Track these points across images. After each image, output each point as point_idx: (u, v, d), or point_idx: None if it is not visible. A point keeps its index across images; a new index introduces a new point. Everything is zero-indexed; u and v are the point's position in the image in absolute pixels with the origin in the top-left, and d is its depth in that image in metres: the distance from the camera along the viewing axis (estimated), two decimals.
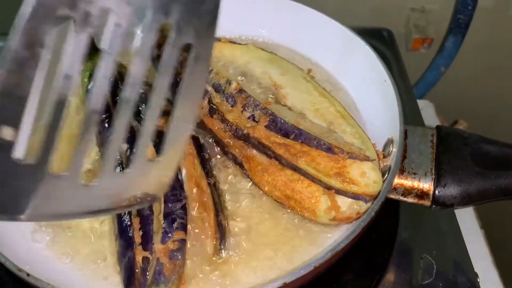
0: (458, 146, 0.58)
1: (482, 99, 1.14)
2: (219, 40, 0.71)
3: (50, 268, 0.52)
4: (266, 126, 0.59)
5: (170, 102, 0.44)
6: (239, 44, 0.72)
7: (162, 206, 0.53)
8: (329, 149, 0.56)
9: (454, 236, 0.65)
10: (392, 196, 0.58)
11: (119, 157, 0.55)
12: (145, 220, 0.53)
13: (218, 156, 0.63)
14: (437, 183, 0.56)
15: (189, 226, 0.52)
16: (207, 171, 0.58)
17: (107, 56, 0.37)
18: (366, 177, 0.54)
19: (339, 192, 0.55)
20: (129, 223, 0.53)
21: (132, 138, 0.51)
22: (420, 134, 0.61)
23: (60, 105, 0.36)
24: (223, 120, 0.61)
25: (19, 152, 0.36)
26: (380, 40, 0.94)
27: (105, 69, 0.38)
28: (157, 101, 0.42)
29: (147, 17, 0.38)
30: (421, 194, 0.57)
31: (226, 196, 0.59)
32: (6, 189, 0.37)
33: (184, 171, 0.56)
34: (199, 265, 0.52)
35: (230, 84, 0.62)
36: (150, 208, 0.53)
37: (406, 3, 1.08)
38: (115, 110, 0.41)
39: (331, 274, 0.53)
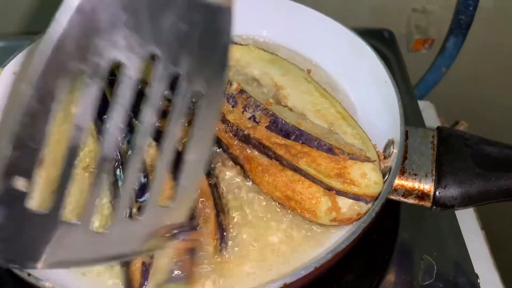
0: (459, 147, 0.58)
1: (483, 100, 1.14)
2: None
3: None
4: (267, 127, 0.59)
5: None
6: (240, 44, 0.72)
7: None
8: (330, 150, 0.56)
9: (455, 237, 0.65)
10: (392, 197, 0.58)
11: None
12: None
13: (219, 157, 0.62)
14: (438, 184, 0.56)
15: None
16: (208, 172, 0.58)
17: (118, 107, 0.38)
18: (367, 178, 0.54)
19: (340, 193, 0.55)
20: None
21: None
22: (421, 135, 0.61)
23: (71, 155, 0.37)
24: (224, 120, 0.61)
25: (32, 201, 0.37)
26: (381, 40, 0.94)
27: (117, 119, 0.39)
28: (169, 149, 0.43)
29: (157, 68, 0.39)
30: (422, 195, 0.57)
31: (227, 197, 0.59)
32: (21, 238, 0.38)
33: None
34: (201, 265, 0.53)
35: (231, 84, 0.62)
36: None
37: (407, 4, 1.08)
38: (127, 158, 0.42)
39: (331, 275, 0.53)
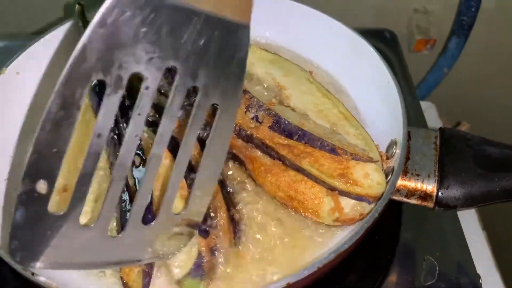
0: (461, 148, 0.58)
1: (485, 101, 1.14)
2: None
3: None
4: (270, 127, 0.59)
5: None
6: None
7: None
8: (333, 150, 0.56)
9: (457, 238, 0.65)
10: (395, 197, 0.58)
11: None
12: None
13: None
14: (440, 184, 0.56)
15: None
16: None
17: (137, 117, 0.40)
18: (370, 179, 0.54)
19: (343, 193, 0.55)
20: None
21: None
22: (423, 136, 0.61)
23: (92, 162, 0.39)
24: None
25: (52, 204, 0.38)
26: (382, 41, 0.94)
27: (135, 129, 0.40)
28: (184, 158, 0.45)
29: (175, 81, 0.41)
30: (424, 196, 0.57)
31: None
32: (37, 239, 0.39)
33: None
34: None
35: None
36: None
37: (409, 4, 1.08)
38: (145, 165, 0.44)
39: (334, 275, 0.53)
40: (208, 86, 0.43)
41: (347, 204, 0.55)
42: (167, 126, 0.42)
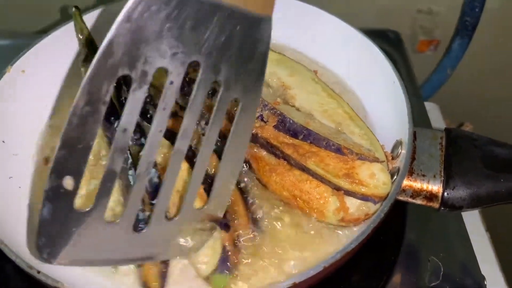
0: (467, 148, 0.58)
1: (488, 102, 1.14)
2: None
3: (62, 266, 0.52)
4: (275, 126, 0.59)
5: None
6: None
7: None
8: (338, 150, 0.56)
9: (462, 238, 0.65)
10: (401, 197, 0.57)
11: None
12: None
13: None
14: (446, 185, 0.56)
15: None
16: None
17: (162, 112, 0.40)
18: (375, 179, 0.54)
19: (348, 193, 0.55)
20: None
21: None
22: (429, 136, 0.61)
23: (117, 157, 0.39)
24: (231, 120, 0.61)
25: (77, 200, 0.38)
26: (386, 41, 0.94)
27: (159, 124, 0.40)
28: (206, 152, 0.45)
29: (198, 75, 0.41)
30: (430, 196, 0.57)
31: None
32: (65, 235, 0.39)
33: None
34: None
35: None
36: None
37: (412, 5, 1.08)
38: (168, 160, 0.43)
39: (339, 275, 0.53)
40: (229, 80, 0.43)
41: (353, 204, 0.55)
42: (190, 121, 0.42)
